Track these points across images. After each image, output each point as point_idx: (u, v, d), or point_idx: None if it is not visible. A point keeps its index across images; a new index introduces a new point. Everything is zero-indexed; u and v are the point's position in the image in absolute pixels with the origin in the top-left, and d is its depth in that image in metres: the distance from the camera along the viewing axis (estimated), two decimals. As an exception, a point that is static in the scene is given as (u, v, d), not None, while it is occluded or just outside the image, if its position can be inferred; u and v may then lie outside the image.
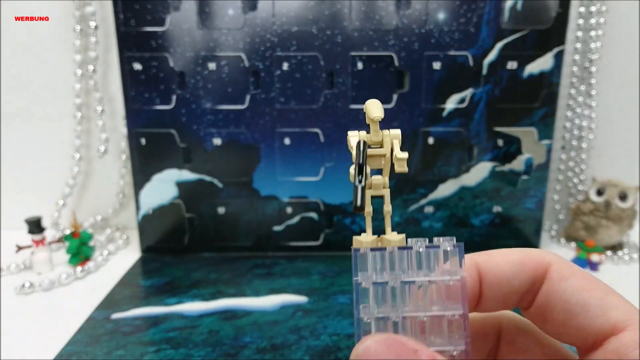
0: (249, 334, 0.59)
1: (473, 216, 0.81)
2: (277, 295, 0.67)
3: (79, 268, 0.74)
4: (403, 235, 0.44)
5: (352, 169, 0.40)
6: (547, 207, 0.85)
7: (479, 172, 0.79)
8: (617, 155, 0.90)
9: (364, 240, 0.43)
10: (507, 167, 0.79)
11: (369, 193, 0.43)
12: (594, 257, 0.75)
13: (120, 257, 0.82)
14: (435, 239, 0.44)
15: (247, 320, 0.62)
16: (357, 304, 0.40)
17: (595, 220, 0.81)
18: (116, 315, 0.63)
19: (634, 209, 0.80)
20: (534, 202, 0.80)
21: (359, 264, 0.40)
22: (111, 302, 0.66)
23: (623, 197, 0.80)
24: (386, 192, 0.42)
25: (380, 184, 0.43)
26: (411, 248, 0.37)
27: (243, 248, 0.81)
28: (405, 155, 0.41)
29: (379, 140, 0.43)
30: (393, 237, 0.43)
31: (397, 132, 0.45)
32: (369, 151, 0.44)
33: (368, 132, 0.44)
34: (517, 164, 0.79)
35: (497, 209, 0.80)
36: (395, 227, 0.80)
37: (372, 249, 0.41)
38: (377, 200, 0.45)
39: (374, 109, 0.43)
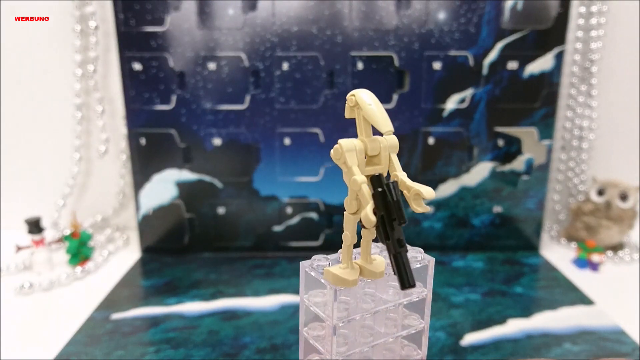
0: (249, 334, 0.59)
1: (473, 216, 0.80)
2: (277, 295, 0.67)
3: (78, 268, 0.74)
4: (382, 259, 0.38)
5: (370, 215, 0.29)
6: (547, 207, 0.85)
7: (479, 172, 0.79)
8: (617, 155, 0.90)
9: (349, 278, 0.35)
10: (507, 167, 0.79)
11: (352, 219, 0.35)
12: (595, 258, 0.75)
13: (120, 257, 0.81)
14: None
15: (247, 320, 0.62)
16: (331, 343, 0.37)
17: (595, 220, 0.81)
18: (116, 316, 0.63)
19: (634, 209, 0.80)
20: (534, 202, 0.80)
21: (335, 304, 0.36)
22: (111, 302, 0.66)
23: (624, 197, 0.80)
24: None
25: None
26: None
27: (243, 248, 0.81)
28: (432, 193, 0.32)
29: (377, 153, 0.35)
30: (378, 268, 0.36)
31: (393, 140, 0.35)
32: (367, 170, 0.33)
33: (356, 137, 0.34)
34: (518, 164, 0.79)
35: (497, 209, 0.80)
36: (396, 227, 0.80)
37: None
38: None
39: (385, 119, 0.33)
